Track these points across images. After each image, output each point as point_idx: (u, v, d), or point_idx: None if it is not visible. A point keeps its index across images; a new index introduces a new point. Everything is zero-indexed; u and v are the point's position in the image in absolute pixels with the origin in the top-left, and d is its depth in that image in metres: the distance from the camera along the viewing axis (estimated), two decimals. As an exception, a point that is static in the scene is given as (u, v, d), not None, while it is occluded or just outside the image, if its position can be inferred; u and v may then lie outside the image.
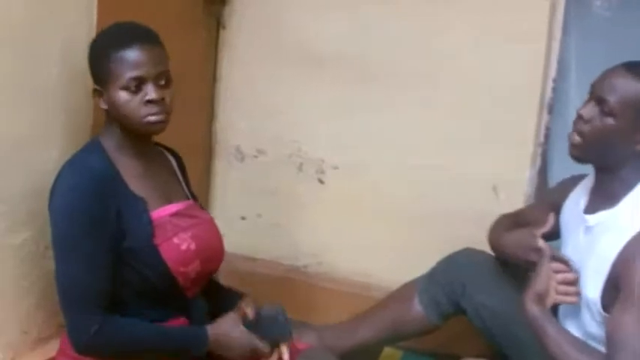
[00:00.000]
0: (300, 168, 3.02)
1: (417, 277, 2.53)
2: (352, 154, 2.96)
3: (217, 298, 2.24)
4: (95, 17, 2.22)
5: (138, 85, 1.92)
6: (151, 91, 1.93)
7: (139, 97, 1.92)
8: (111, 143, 2.01)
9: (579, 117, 2.02)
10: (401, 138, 2.90)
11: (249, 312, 2.08)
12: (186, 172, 2.28)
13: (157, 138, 2.10)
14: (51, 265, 2.06)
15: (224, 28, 3.04)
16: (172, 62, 2.53)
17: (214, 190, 3.17)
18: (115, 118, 1.98)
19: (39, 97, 2.07)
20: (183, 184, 2.23)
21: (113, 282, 1.95)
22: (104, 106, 1.98)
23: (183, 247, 2.00)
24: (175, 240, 1.99)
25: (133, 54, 1.93)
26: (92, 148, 2.02)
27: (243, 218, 3.13)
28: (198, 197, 3.03)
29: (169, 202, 2.07)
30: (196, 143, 3.04)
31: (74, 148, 2.09)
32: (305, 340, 2.37)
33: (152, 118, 1.94)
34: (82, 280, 1.90)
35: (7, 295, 2.04)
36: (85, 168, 1.95)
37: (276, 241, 3.10)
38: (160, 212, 2.01)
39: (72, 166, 1.97)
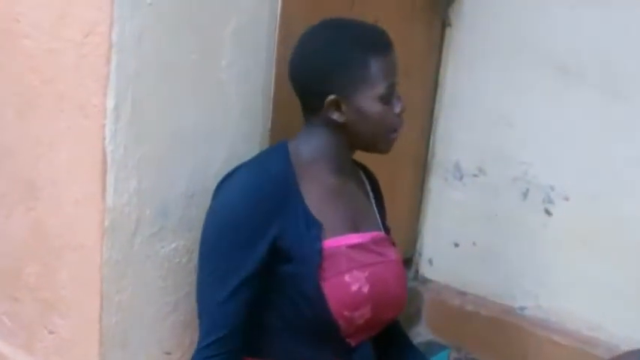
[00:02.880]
0: (525, 194, 2.60)
1: (644, 346, 2.05)
2: (589, 184, 2.49)
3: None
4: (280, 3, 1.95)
5: (391, 94, 1.73)
6: (398, 102, 1.75)
7: (391, 109, 1.73)
8: (304, 153, 1.77)
9: None
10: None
11: None
12: (381, 197, 1.99)
13: None
14: (205, 280, 1.88)
15: (450, 25, 2.67)
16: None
17: (426, 209, 2.83)
18: (351, 133, 1.75)
19: (205, 90, 1.83)
20: (377, 212, 1.92)
21: (257, 315, 1.71)
22: (341, 119, 1.73)
23: (354, 287, 1.69)
24: (347, 278, 1.69)
25: (391, 60, 1.74)
26: (276, 152, 1.78)
27: (456, 245, 2.76)
28: (407, 217, 2.76)
29: (355, 230, 1.78)
30: (409, 155, 2.71)
31: (245, 153, 1.88)
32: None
33: (394, 135, 1.78)
34: (211, 298, 1.67)
35: (148, 309, 1.83)
36: (261, 170, 1.72)
37: (491, 275, 2.71)
38: (338, 241, 1.72)
39: (247, 167, 1.75)
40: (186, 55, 1.77)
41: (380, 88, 1.69)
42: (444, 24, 2.66)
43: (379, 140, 1.76)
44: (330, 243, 1.70)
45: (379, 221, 1.91)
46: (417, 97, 2.66)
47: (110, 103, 1.65)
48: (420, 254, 2.86)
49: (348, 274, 1.69)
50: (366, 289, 1.69)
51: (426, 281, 2.85)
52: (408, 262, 2.81)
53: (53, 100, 1.75)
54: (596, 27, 2.44)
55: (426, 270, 2.86)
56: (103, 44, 1.62)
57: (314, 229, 1.69)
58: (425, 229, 2.84)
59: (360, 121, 1.72)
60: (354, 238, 1.76)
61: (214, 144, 1.88)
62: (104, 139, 1.66)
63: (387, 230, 1.94)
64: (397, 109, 1.74)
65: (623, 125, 2.43)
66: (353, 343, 1.75)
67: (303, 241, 1.68)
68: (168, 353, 1.90)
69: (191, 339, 1.93)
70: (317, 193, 1.74)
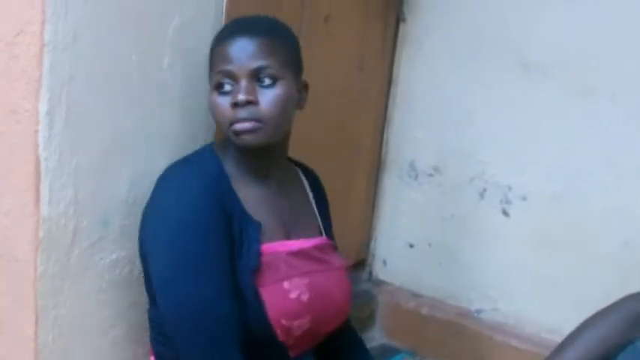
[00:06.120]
0: (482, 195, 2.54)
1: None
2: (548, 184, 2.44)
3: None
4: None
5: (230, 83, 1.57)
6: (237, 91, 1.56)
7: (228, 99, 1.57)
8: (227, 156, 1.66)
9: None
10: (618, 171, 2.34)
11: None
12: (325, 200, 1.89)
13: (316, 143, 1.73)
14: (148, 293, 1.78)
15: (404, 20, 2.59)
16: (340, 59, 2.13)
17: (380, 209, 2.76)
18: None
19: (145, 92, 1.73)
20: (318, 216, 1.82)
21: None
22: None
23: (293, 295, 1.60)
24: (285, 284, 1.60)
25: (226, 47, 1.59)
26: (205, 153, 1.68)
27: (411, 246, 2.70)
28: (361, 217, 2.69)
29: (288, 237, 1.68)
30: (363, 154, 2.65)
31: (188, 156, 1.76)
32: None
33: (237, 127, 1.56)
34: (213, 306, 1.51)
35: (87, 324, 1.73)
36: (196, 167, 1.61)
37: (447, 277, 2.65)
38: (276, 247, 1.63)
39: (177, 166, 1.64)
40: (125, 55, 1.66)
41: (213, 77, 1.60)
42: (399, 19, 2.58)
43: (226, 134, 1.61)
44: (268, 248, 1.61)
45: (321, 226, 1.81)
46: (370, 94, 2.59)
47: (43, 108, 1.53)
48: (374, 255, 2.80)
49: (288, 281, 1.60)
50: (305, 298, 1.61)
51: (380, 283, 2.79)
52: (361, 263, 2.75)
53: (-17, 104, 1.63)
54: (559, 21, 2.38)
55: (380, 271, 2.80)
56: (35, 44, 1.51)
57: (252, 230, 1.59)
58: (379, 230, 2.77)
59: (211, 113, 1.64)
60: (294, 245, 1.67)
61: (156, 149, 1.78)
62: (38, 145, 1.55)
63: (330, 236, 1.84)
64: (232, 100, 1.56)
65: (585, 123, 2.38)
66: (292, 354, 1.65)
67: (242, 242, 1.58)
68: (108, 369, 1.80)
69: (134, 354, 1.84)
70: (249, 196, 1.64)
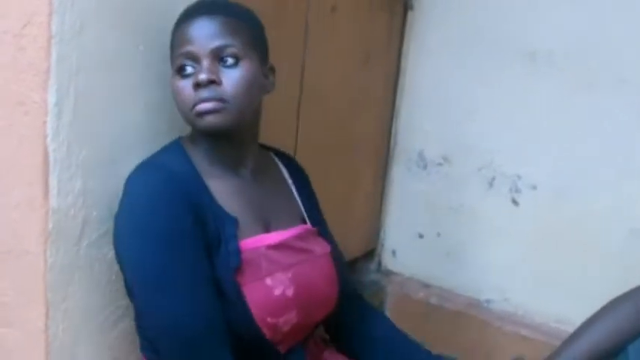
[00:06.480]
0: (491, 183, 2.54)
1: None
2: (558, 173, 2.44)
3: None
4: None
5: (191, 65, 1.52)
6: (199, 71, 1.50)
7: (190, 82, 1.51)
8: (195, 149, 1.60)
9: None
10: (625, 161, 2.34)
11: None
12: (306, 182, 1.82)
13: (323, 135, 1.67)
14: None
15: (411, 9, 2.59)
16: (347, 51, 2.11)
17: (389, 199, 2.75)
18: None
19: (152, 82, 1.71)
20: (300, 202, 1.75)
21: None
22: None
23: (277, 291, 1.52)
24: (268, 281, 1.52)
25: (186, 28, 1.53)
26: (171, 150, 1.61)
27: (420, 236, 2.69)
28: (370, 207, 2.68)
29: (267, 230, 1.61)
30: (372, 144, 2.64)
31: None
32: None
33: (200, 107, 1.50)
34: (185, 319, 1.45)
35: (97, 316, 1.72)
36: (158, 167, 1.53)
37: (456, 267, 2.65)
38: (255, 242, 1.55)
39: (140, 167, 1.56)
40: (133, 45, 1.66)
41: (175, 60, 1.54)
42: (406, 7, 2.56)
43: (189, 119, 1.55)
44: (247, 244, 1.53)
45: (304, 213, 1.74)
46: (379, 84, 2.58)
47: (51, 99, 1.53)
48: (383, 246, 2.80)
49: (270, 277, 1.53)
50: (290, 292, 1.54)
51: (389, 273, 2.79)
52: (370, 254, 2.75)
53: (-10, 96, 1.63)
54: (565, 13, 2.38)
55: (389, 262, 2.80)
56: (42, 35, 1.50)
57: (229, 226, 1.52)
58: (388, 220, 2.77)
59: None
60: (273, 238, 1.58)
61: (164, 139, 1.75)
62: (46, 136, 1.54)
63: (318, 222, 1.77)
64: (194, 81, 1.49)
65: (593, 114, 2.37)
66: (283, 349, 1.59)
67: (220, 241, 1.51)
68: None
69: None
70: (223, 189, 1.57)
